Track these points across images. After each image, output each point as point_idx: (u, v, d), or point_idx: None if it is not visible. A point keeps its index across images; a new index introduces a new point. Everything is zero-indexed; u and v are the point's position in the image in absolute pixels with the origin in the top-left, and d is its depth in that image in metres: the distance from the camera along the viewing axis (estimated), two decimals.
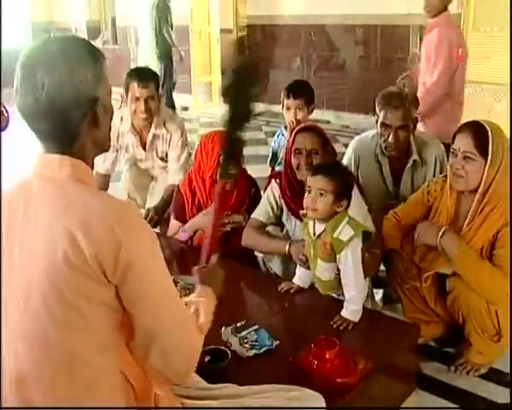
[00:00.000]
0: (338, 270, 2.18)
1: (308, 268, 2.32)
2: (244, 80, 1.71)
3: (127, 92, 3.24)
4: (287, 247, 2.47)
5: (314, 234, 2.20)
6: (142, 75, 3.23)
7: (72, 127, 1.22)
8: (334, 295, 2.28)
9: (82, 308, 1.17)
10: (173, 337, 1.27)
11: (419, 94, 3.71)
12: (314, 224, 2.21)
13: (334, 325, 2.09)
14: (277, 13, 7.94)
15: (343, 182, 2.17)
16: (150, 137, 3.36)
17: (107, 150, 1.35)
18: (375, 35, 7.05)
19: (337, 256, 2.14)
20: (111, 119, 1.33)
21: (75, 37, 1.34)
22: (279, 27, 8.00)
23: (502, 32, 6.12)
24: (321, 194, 2.13)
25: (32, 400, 1.22)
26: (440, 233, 2.29)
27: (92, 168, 1.31)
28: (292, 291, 2.34)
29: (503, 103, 6.24)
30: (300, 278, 2.37)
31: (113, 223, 1.16)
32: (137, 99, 3.21)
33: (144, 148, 3.43)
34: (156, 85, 3.27)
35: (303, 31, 7.66)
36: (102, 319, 1.21)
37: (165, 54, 8.05)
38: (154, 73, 3.35)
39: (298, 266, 2.39)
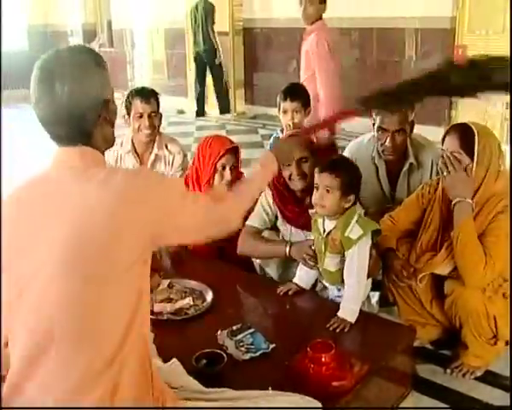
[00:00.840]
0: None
1: (311, 267, 2.35)
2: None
3: (129, 112, 3.25)
4: (287, 249, 2.48)
5: (324, 231, 2.25)
6: (144, 92, 3.25)
7: (88, 128, 1.36)
8: (338, 289, 2.29)
9: (108, 263, 1.28)
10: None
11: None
12: (323, 221, 2.25)
13: (331, 328, 2.09)
14: (273, 16, 7.94)
15: (349, 177, 2.21)
16: (152, 157, 3.32)
17: (111, 146, 1.48)
18: (371, 38, 7.06)
19: (345, 253, 2.19)
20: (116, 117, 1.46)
21: (80, 46, 1.46)
22: (275, 30, 8.00)
23: (497, 34, 6.13)
24: (327, 191, 2.18)
25: (58, 358, 1.27)
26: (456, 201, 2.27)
27: None
28: (290, 293, 2.35)
29: (499, 106, 6.26)
30: (301, 278, 2.39)
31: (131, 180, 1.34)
32: (141, 115, 3.21)
33: None
34: (157, 103, 3.29)
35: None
36: (131, 273, 1.31)
37: (211, 56, 8.18)
38: (155, 92, 3.35)
39: (299, 267, 2.40)
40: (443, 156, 2.34)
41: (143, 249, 1.34)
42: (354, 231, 2.17)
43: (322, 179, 2.21)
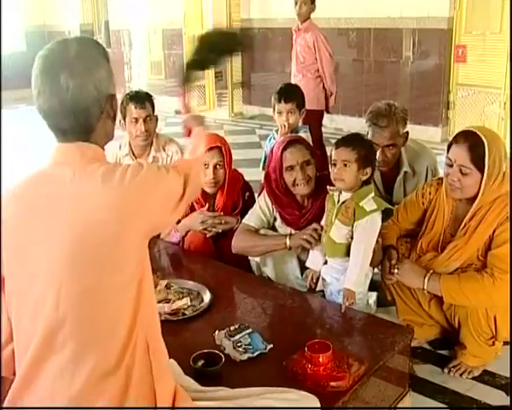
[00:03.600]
0: (351, 238, 2.26)
1: (311, 246, 2.42)
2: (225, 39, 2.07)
3: (124, 117, 3.24)
4: (287, 240, 2.49)
5: (338, 201, 2.31)
6: (138, 97, 3.24)
7: (92, 122, 1.34)
8: (339, 262, 2.32)
9: (110, 254, 1.27)
10: None
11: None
12: (340, 193, 2.32)
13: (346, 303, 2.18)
14: (271, 16, 7.94)
15: (365, 150, 2.29)
16: (150, 159, 3.32)
17: (111, 140, 1.47)
18: (369, 38, 7.07)
19: (355, 223, 2.23)
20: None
21: (87, 38, 1.42)
22: (272, 30, 8.00)
23: (494, 35, 6.14)
24: (345, 165, 2.26)
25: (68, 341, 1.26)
26: (426, 279, 2.32)
27: None
28: (314, 279, 2.42)
29: (496, 106, 6.27)
30: (312, 261, 2.44)
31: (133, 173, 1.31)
32: (136, 120, 3.22)
33: None
34: (152, 106, 3.28)
35: None
36: (131, 261, 1.30)
37: None
38: (150, 95, 3.34)
39: (310, 251, 2.45)
40: (451, 166, 2.28)
41: (144, 241, 1.34)
42: (368, 204, 2.24)
43: (339, 154, 2.28)
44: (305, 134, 3.38)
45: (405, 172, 2.90)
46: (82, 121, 1.32)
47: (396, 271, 2.38)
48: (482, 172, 2.22)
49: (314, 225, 2.45)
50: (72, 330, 1.25)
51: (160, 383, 1.33)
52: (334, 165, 2.29)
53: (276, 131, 3.48)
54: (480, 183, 2.23)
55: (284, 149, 2.56)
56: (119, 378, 1.27)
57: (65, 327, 1.25)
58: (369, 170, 2.29)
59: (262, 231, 2.66)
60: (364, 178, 2.28)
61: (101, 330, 1.27)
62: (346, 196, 2.30)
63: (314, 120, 4.57)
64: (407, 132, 2.88)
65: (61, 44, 1.33)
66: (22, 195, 1.33)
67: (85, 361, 1.25)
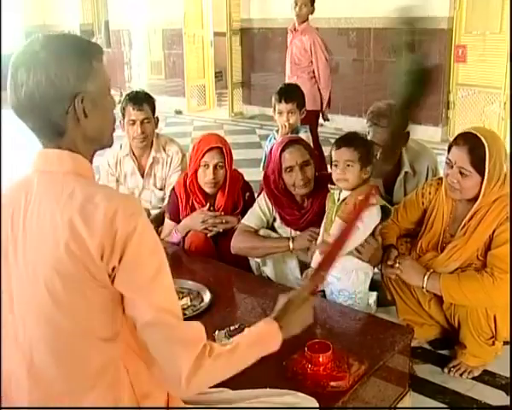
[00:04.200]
0: None
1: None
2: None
3: (124, 117, 3.23)
4: (290, 243, 2.49)
5: (338, 199, 2.32)
6: (137, 98, 3.21)
7: (56, 122, 1.23)
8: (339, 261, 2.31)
9: (85, 294, 1.19)
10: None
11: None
12: (340, 192, 2.33)
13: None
14: (271, 16, 7.94)
15: (366, 149, 2.31)
16: (150, 160, 3.31)
17: (109, 145, 1.36)
18: (369, 38, 7.07)
19: None
20: (111, 113, 1.33)
21: (65, 34, 1.31)
22: (272, 30, 8.00)
23: (494, 35, 6.14)
24: (348, 165, 2.27)
25: (44, 379, 1.23)
26: (426, 278, 2.32)
27: (91, 163, 1.31)
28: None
29: (496, 106, 6.27)
30: (316, 261, 2.42)
31: (113, 213, 1.17)
32: (133, 122, 3.20)
33: (142, 175, 3.35)
34: (151, 108, 3.25)
35: None
36: (106, 303, 1.22)
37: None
38: (149, 96, 3.31)
39: (316, 252, 2.41)
40: (451, 167, 2.28)
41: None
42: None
43: (341, 155, 2.29)
44: (305, 134, 3.38)
45: (406, 172, 2.90)
46: (42, 119, 1.23)
47: (397, 265, 2.38)
48: (482, 174, 2.21)
49: (311, 229, 2.47)
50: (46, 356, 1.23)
51: (143, 399, 1.32)
52: (336, 166, 2.29)
53: (277, 131, 3.48)
54: (481, 185, 2.23)
55: (283, 149, 2.56)
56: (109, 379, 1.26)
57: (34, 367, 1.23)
58: (369, 168, 2.30)
59: (261, 232, 2.66)
60: (366, 176, 2.30)
61: (76, 354, 1.24)
62: (346, 194, 2.31)
63: (311, 120, 4.57)
64: (408, 133, 2.88)
65: (33, 40, 1.25)
66: (5, 202, 1.27)
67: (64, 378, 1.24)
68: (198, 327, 1.27)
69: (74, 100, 1.22)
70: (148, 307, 1.21)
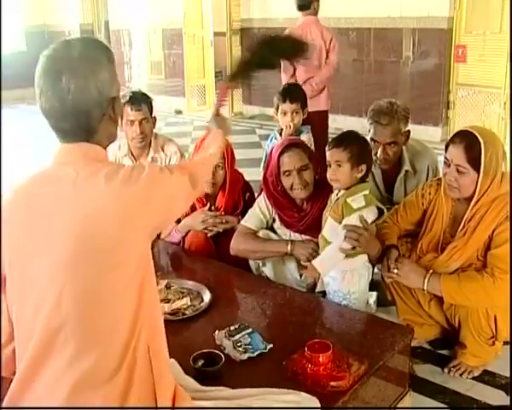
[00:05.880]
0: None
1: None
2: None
3: (122, 117, 3.22)
4: (289, 247, 2.49)
5: (337, 199, 2.33)
6: (135, 98, 3.21)
7: (94, 125, 1.33)
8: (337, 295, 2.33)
9: (112, 255, 1.26)
10: None
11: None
12: (338, 192, 2.34)
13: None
14: (271, 16, 7.94)
15: (357, 149, 2.29)
16: (149, 160, 3.31)
17: (113, 141, 1.46)
18: (369, 38, 7.07)
19: (343, 220, 2.25)
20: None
21: (91, 39, 1.40)
22: (272, 30, 8.00)
23: (494, 35, 6.14)
24: (339, 165, 2.27)
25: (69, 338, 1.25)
26: (426, 279, 2.31)
27: None
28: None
29: (496, 106, 6.27)
30: (320, 264, 2.43)
31: (135, 172, 1.32)
32: (132, 123, 3.20)
33: None
34: (149, 108, 3.25)
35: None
36: (132, 261, 1.29)
37: None
38: (147, 96, 3.31)
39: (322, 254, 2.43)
40: (449, 166, 2.29)
41: (146, 241, 1.34)
42: (357, 200, 2.25)
43: (331, 155, 2.30)
44: (307, 135, 3.38)
45: (406, 171, 2.90)
46: (83, 123, 1.31)
47: (396, 271, 2.38)
48: (479, 171, 2.22)
49: (313, 245, 2.47)
50: (75, 330, 1.25)
51: (160, 383, 1.33)
52: (329, 166, 2.31)
53: (278, 131, 3.48)
54: (477, 182, 2.24)
55: (282, 153, 2.55)
56: (121, 378, 1.26)
57: (66, 327, 1.25)
58: (364, 167, 2.28)
59: (261, 233, 2.66)
60: (360, 175, 2.28)
61: (102, 329, 1.27)
62: (341, 192, 2.32)
63: (322, 120, 4.55)
64: (408, 131, 2.88)
65: (65, 44, 1.32)
66: (25, 195, 1.33)
67: (87, 361, 1.25)
68: None
69: (111, 103, 1.34)
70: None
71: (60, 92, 1.27)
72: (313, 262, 2.29)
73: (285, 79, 4.80)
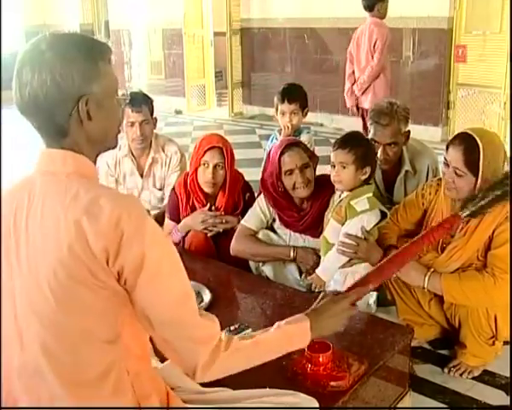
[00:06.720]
0: None
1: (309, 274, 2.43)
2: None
3: (122, 119, 3.21)
4: (291, 252, 2.50)
5: (340, 201, 2.34)
6: (135, 100, 3.17)
7: (59, 123, 1.22)
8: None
9: (87, 296, 1.18)
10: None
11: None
12: (341, 193, 2.35)
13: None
14: (271, 16, 7.94)
15: (362, 151, 2.29)
16: (149, 160, 3.31)
17: (113, 147, 1.35)
18: None
19: (346, 222, 2.27)
20: (117, 114, 1.32)
21: (72, 34, 1.28)
22: (272, 30, 8.01)
23: (494, 35, 6.14)
24: (343, 167, 2.27)
25: (47, 382, 1.22)
26: (427, 278, 2.31)
27: (94, 164, 1.30)
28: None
29: (496, 106, 6.27)
30: (323, 270, 2.44)
31: (118, 215, 1.16)
32: (132, 124, 3.19)
33: (142, 175, 3.36)
34: (150, 109, 3.24)
35: (296, 34, 7.67)
36: (108, 304, 1.22)
37: None
38: (148, 97, 3.30)
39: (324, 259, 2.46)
40: (448, 166, 2.30)
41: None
42: (360, 203, 2.26)
43: (336, 156, 2.30)
44: (307, 135, 3.38)
45: (406, 171, 2.91)
46: (45, 120, 1.22)
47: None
48: (476, 175, 2.22)
49: (315, 257, 2.51)
50: (52, 355, 1.22)
51: (144, 400, 1.31)
52: (333, 167, 2.30)
53: (278, 131, 3.48)
54: (475, 186, 2.23)
55: (282, 153, 2.55)
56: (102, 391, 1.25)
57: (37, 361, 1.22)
58: (368, 169, 2.29)
59: (261, 233, 2.67)
60: (364, 177, 2.29)
61: (79, 354, 1.23)
62: (345, 194, 2.32)
63: None
64: (408, 131, 2.89)
65: (40, 39, 1.23)
66: (7, 201, 1.26)
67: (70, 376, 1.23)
68: (213, 322, 1.31)
69: (78, 102, 1.20)
70: (166, 305, 1.23)
71: (20, 86, 1.20)
72: (317, 272, 2.30)
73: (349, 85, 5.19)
